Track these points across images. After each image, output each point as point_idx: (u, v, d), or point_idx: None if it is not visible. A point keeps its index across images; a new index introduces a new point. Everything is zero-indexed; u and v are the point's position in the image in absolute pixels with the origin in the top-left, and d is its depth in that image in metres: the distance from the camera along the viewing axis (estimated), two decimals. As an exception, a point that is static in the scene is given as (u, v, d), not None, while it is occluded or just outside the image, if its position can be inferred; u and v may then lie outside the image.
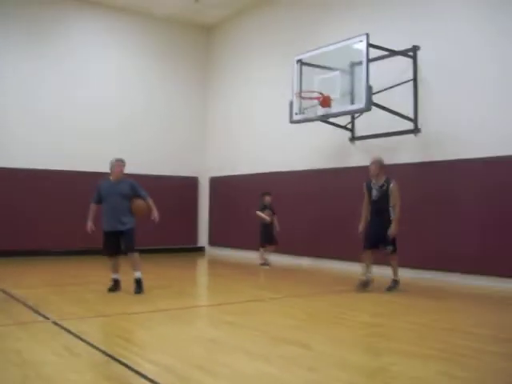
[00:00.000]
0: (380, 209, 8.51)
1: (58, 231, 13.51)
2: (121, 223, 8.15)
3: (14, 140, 13.39)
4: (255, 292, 8.89)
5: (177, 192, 15.50)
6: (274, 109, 13.53)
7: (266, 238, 12.12)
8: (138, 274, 8.18)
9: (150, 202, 8.38)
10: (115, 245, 8.21)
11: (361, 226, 8.71)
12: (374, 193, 8.57)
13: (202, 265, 13.93)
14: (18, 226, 13.14)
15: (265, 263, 12.04)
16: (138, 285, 8.13)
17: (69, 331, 5.61)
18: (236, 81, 15.51)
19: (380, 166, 8.65)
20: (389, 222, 8.44)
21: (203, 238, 16.30)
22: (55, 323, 6.02)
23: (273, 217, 12.11)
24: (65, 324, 5.93)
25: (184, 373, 4.26)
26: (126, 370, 4.33)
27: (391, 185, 8.48)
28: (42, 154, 13.68)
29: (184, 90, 16.20)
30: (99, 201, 8.35)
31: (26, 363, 4.50)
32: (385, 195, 8.49)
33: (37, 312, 6.66)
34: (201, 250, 16.18)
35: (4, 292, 8.13)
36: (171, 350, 4.96)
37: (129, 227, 8.19)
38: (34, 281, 9.74)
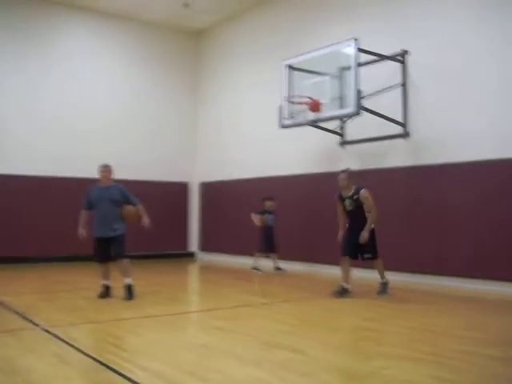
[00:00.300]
0: (356, 218, 8.43)
1: (47, 237, 13.42)
2: (111, 229, 8.12)
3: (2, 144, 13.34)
4: (246, 297, 8.87)
5: (167, 197, 15.47)
6: (264, 113, 13.54)
7: (266, 245, 12.05)
8: (128, 281, 8.15)
9: (141, 207, 8.36)
10: (106, 251, 8.18)
11: (339, 235, 8.65)
12: (347, 203, 8.50)
13: (193, 270, 13.90)
14: (6, 232, 13.05)
15: (257, 268, 11.97)
16: (129, 291, 8.09)
17: (59, 338, 5.57)
18: (226, 86, 15.52)
19: (348, 176, 8.56)
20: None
21: (194, 244, 16.26)
22: (45, 330, 5.98)
23: (273, 222, 12.02)
24: (55, 331, 5.89)
25: (175, 379, 4.24)
26: (117, 376, 4.30)
27: (361, 193, 8.37)
28: (28, 158, 13.60)
29: (174, 95, 16.19)
30: (89, 207, 8.32)
31: (15, 371, 4.46)
32: (359, 205, 8.41)
33: (26, 319, 6.61)
34: (191, 255, 16.14)
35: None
36: (162, 356, 4.94)
37: (119, 233, 8.17)
38: (23, 288, 9.67)
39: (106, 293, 8.21)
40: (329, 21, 12.33)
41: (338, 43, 10.10)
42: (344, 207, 8.58)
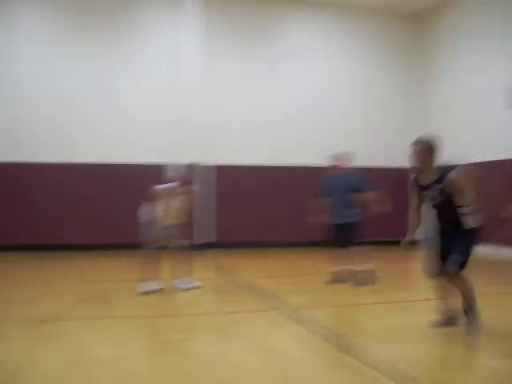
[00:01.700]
0: (446, 215, 5.36)
1: (287, 224, 14.04)
2: (347, 216, 8.25)
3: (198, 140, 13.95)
4: (483, 287, 8.31)
5: (392, 184, 15.14)
6: (492, 95, 12.69)
7: None
8: (365, 266, 8.20)
9: (373, 194, 8.36)
10: (342, 237, 8.30)
11: (407, 238, 5.80)
12: (430, 194, 5.34)
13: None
14: (255, 219, 14.01)
15: None
16: (366, 276, 8.12)
17: (301, 320, 5.86)
18: (453, 67, 14.78)
19: (427, 150, 5.33)
20: (466, 233, 5.23)
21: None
22: (288, 312, 6.31)
23: None
24: (297, 313, 6.21)
25: (421, 366, 4.21)
26: (352, 359, 4.41)
27: (450, 178, 5.17)
28: (243, 146, 14.25)
29: (399, 79, 15.81)
30: (324, 194, 8.50)
31: (262, 348, 4.83)
32: (447, 196, 5.21)
33: (271, 300, 7.04)
34: (415, 243, 15.63)
35: (243, 280, 8.71)
36: (402, 342, 4.94)
37: (354, 220, 8.28)
38: (266, 271, 10.25)
39: (342, 278, 8.30)
40: None
41: None
42: (421, 198, 5.52)
